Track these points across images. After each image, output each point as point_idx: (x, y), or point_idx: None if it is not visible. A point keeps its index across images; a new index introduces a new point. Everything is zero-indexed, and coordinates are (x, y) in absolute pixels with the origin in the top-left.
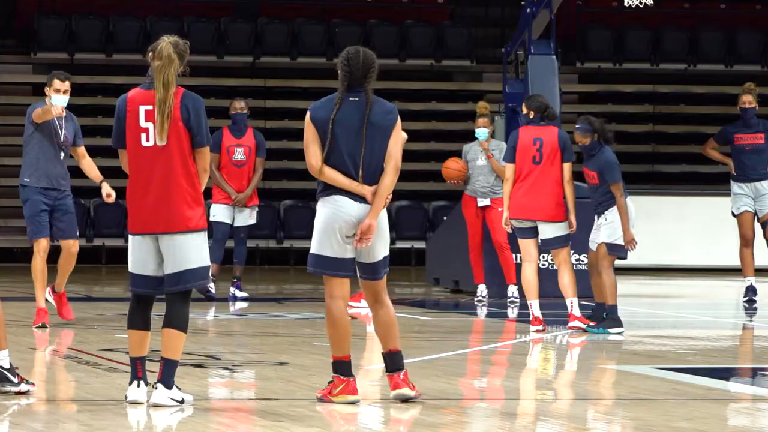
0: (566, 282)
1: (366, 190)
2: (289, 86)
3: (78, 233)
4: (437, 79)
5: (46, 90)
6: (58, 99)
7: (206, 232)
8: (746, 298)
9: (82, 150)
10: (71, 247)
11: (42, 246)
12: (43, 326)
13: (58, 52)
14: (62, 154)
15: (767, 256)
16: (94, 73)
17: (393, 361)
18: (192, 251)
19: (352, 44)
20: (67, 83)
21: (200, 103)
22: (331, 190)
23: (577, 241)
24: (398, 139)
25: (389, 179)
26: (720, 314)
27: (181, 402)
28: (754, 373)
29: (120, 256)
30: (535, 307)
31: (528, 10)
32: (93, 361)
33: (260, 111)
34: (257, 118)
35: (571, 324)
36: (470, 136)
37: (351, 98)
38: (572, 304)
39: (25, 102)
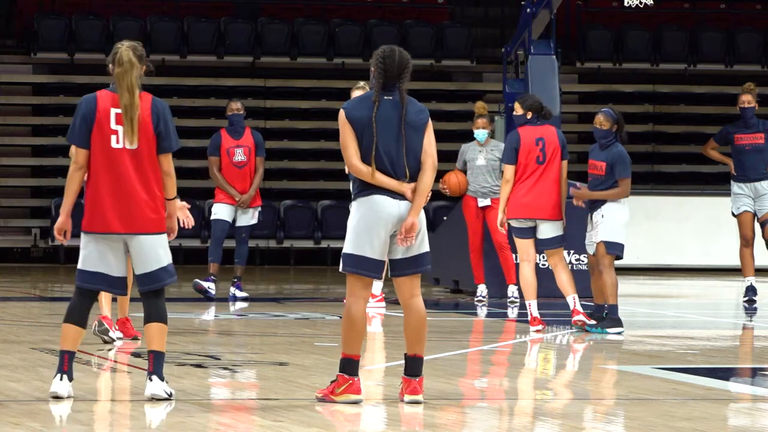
0: (564, 280)
1: (407, 188)
2: (289, 86)
3: None
4: (437, 79)
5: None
6: None
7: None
8: (746, 298)
9: None
10: None
11: None
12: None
13: (58, 52)
14: None
15: (767, 256)
16: (94, 73)
17: (414, 366)
18: (161, 250)
19: (352, 44)
20: None
21: (168, 109)
22: (370, 189)
23: (578, 241)
24: (432, 137)
25: (428, 177)
26: (720, 314)
27: (170, 395)
28: (754, 373)
29: None
30: (533, 308)
31: (528, 10)
32: (93, 361)
33: (260, 111)
34: (257, 118)
35: (575, 318)
36: (470, 136)
37: (386, 97)
38: (574, 300)
39: (25, 102)
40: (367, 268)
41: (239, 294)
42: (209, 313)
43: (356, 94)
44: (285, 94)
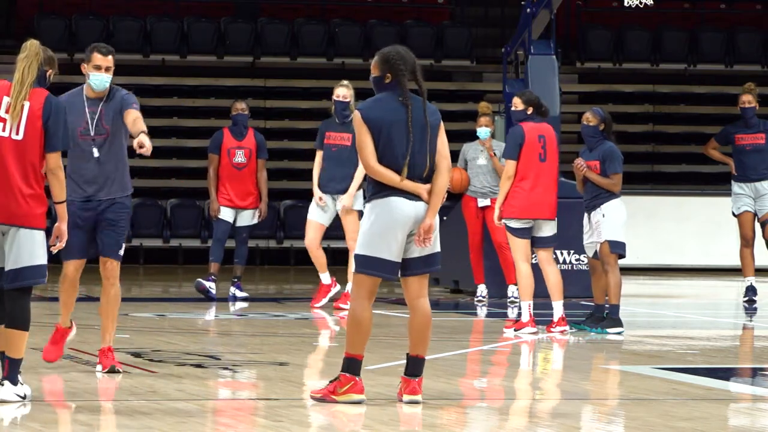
0: (554, 282)
1: (423, 189)
2: (289, 86)
3: (121, 250)
4: (437, 79)
5: (83, 68)
6: (97, 79)
7: (45, 233)
8: (746, 298)
9: (129, 111)
10: (104, 264)
11: (67, 270)
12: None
13: (58, 52)
14: (95, 152)
15: (767, 256)
16: None
17: (415, 367)
18: (34, 248)
19: (352, 44)
20: (110, 58)
21: (63, 109)
22: (386, 191)
23: (578, 241)
24: (445, 138)
25: (444, 178)
26: (720, 314)
27: (24, 397)
28: (754, 373)
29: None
30: (530, 308)
31: (528, 10)
32: (93, 361)
33: (260, 111)
34: (257, 118)
35: (556, 329)
36: (470, 136)
37: (399, 98)
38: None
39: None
40: (383, 269)
41: (239, 294)
42: (209, 313)
43: (338, 92)
44: (285, 94)
